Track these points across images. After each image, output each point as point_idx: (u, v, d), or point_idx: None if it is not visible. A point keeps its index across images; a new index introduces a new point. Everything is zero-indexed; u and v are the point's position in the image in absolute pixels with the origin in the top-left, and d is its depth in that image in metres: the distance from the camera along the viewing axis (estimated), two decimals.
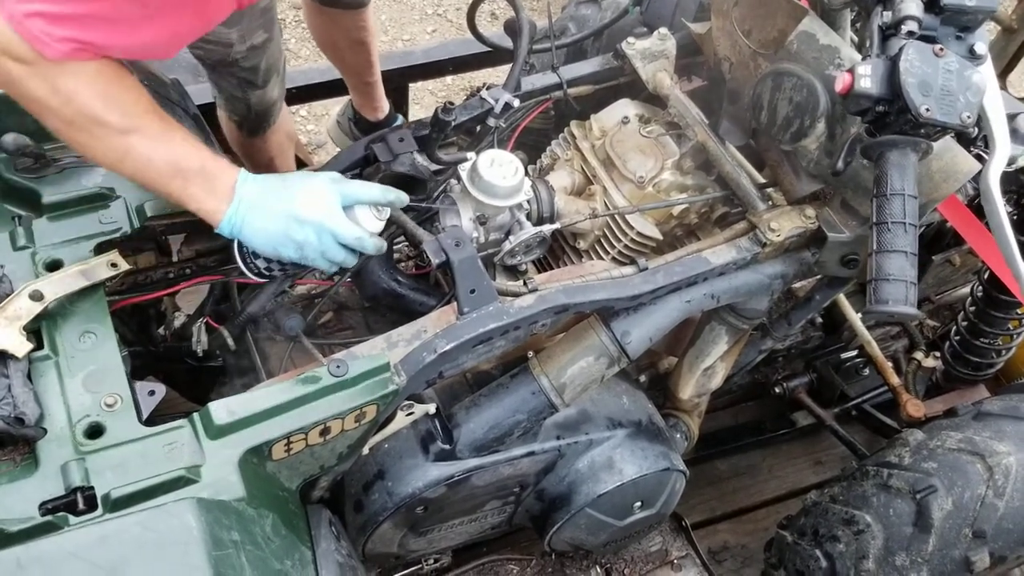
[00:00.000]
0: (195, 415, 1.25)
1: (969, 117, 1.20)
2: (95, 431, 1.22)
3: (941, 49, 1.20)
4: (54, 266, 1.39)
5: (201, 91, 2.43)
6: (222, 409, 1.24)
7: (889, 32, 1.24)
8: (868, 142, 1.28)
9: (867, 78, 1.21)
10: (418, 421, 1.58)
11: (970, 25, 1.25)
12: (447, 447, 1.61)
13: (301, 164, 2.87)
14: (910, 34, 1.22)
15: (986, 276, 2.19)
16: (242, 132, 2.51)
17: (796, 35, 1.48)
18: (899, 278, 1.18)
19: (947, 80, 1.19)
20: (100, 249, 1.44)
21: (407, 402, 1.50)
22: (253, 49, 2.18)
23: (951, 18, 1.24)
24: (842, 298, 2.23)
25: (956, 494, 1.78)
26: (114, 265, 1.40)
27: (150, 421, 1.25)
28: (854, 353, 2.54)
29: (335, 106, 2.98)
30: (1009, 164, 1.61)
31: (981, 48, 1.25)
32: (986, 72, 1.26)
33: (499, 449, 1.65)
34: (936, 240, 2.25)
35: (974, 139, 1.56)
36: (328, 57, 2.71)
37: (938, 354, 2.46)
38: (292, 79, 2.71)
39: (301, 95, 2.84)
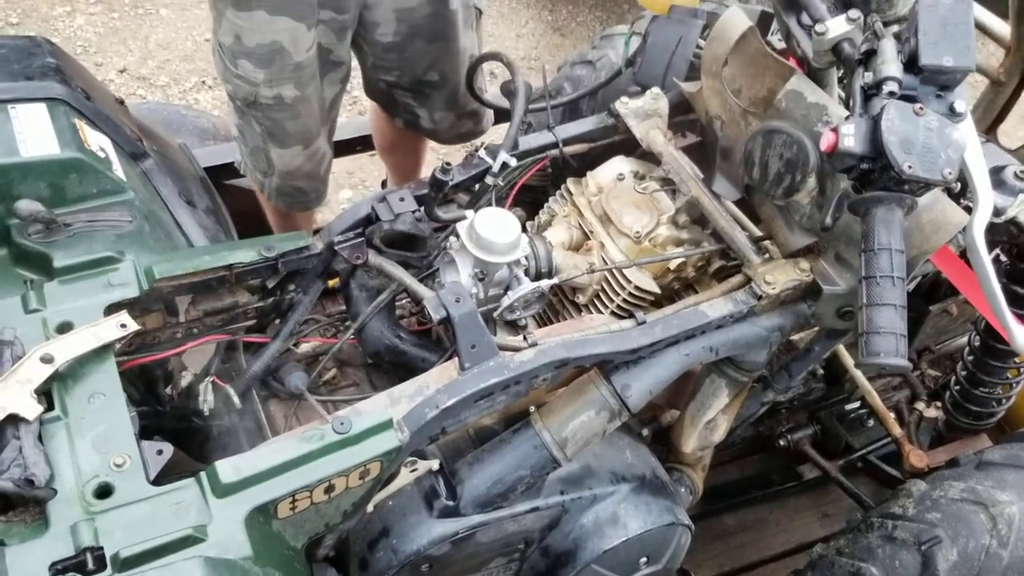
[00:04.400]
0: (202, 474, 1.25)
1: (951, 173, 1.23)
2: (104, 491, 1.22)
3: (921, 108, 1.24)
4: (64, 328, 1.40)
5: (208, 154, 2.48)
6: (228, 467, 1.25)
7: (871, 92, 1.28)
8: (855, 198, 1.32)
9: (850, 137, 1.25)
10: (422, 477, 1.59)
11: (949, 84, 1.29)
12: (451, 503, 1.62)
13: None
14: (891, 94, 1.26)
15: (983, 326, 2.20)
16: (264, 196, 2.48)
17: (784, 93, 1.52)
18: (889, 330, 1.20)
19: (928, 138, 1.23)
20: (109, 311, 1.45)
21: (411, 458, 1.51)
22: (280, 102, 2.18)
23: (930, 78, 1.28)
24: (842, 349, 2.24)
25: (961, 544, 1.77)
26: (124, 326, 1.41)
27: (158, 480, 1.26)
28: (857, 404, 2.54)
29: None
30: (998, 215, 1.64)
31: (960, 106, 1.28)
32: (966, 129, 1.29)
33: (503, 505, 1.65)
34: (933, 290, 2.27)
35: (963, 191, 1.59)
36: (384, 160, 2.74)
37: (940, 404, 2.46)
38: None
39: None
